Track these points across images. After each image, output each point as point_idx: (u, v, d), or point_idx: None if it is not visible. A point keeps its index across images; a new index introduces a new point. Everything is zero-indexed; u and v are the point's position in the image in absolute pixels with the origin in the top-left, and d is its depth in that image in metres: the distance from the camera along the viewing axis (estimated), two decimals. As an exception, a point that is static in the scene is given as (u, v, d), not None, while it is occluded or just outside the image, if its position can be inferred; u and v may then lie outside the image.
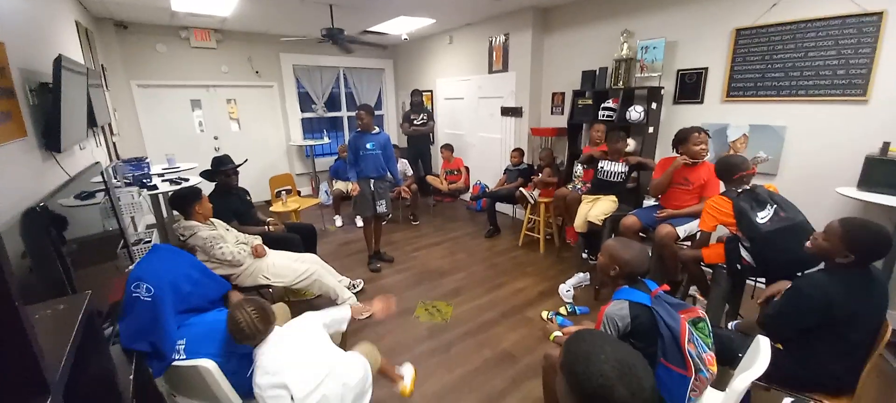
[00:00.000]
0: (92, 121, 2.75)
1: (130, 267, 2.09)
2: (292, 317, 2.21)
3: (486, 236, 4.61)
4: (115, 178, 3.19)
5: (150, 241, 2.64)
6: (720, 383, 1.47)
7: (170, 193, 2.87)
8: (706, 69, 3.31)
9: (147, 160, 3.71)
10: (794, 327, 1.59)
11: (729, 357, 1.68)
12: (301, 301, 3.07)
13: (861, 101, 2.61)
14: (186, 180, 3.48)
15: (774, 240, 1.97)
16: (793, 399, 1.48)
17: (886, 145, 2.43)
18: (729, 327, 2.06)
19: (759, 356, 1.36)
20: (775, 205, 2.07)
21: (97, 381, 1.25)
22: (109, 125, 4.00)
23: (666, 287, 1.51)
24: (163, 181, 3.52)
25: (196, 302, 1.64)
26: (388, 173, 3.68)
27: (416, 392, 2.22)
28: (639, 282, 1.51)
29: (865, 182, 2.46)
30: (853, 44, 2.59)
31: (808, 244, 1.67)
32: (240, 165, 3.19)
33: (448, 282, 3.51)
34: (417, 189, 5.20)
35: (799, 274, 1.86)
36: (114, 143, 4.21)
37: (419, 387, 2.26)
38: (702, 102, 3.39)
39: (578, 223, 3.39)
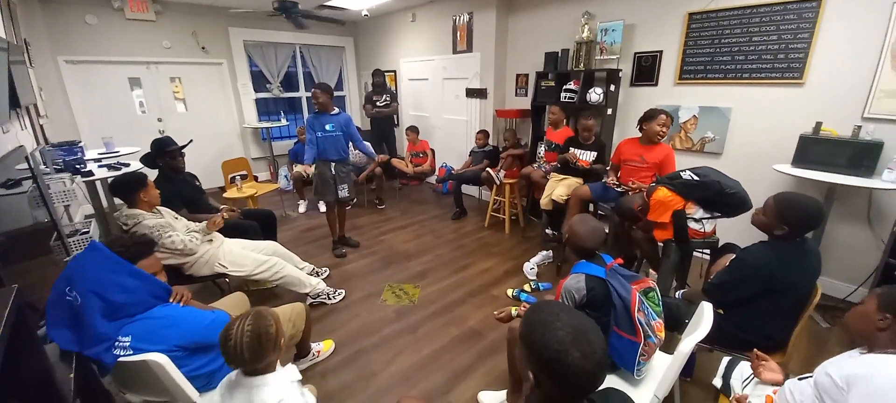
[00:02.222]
0: (14, 102, 2.46)
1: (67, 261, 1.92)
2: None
3: (452, 218, 4.63)
4: (45, 164, 2.89)
5: (87, 232, 2.42)
6: (668, 347, 1.57)
7: (110, 180, 2.64)
8: (661, 52, 3.43)
9: (80, 144, 3.39)
10: (736, 295, 1.72)
11: (676, 324, 1.81)
12: (261, 290, 2.96)
13: (798, 84, 2.81)
14: (126, 165, 3.21)
15: (721, 178, 2.17)
16: (730, 358, 1.61)
17: (818, 125, 2.64)
18: (677, 295, 2.20)
19: (703, 320, 1.47)
20: (685, 170, 2.28)
21: (33, 381, 1.15)
22: (35, 106, 3.60)
23: (620, 260, 1.59)
24: (100, 167, 3.24)
25: (133, 310, 1.51)
26: (358, 152, 3.57)
27: (385, 373, 2.23)
28: (596, 257, 1.58)
29: (799, 159, 2.67)
30: (793, 29, 2.76)
31: (751, 219, 1.80)
32: (184, 146, 2.97)
33: (415, 265, 3.50)
34: (382, 172, 5.10)
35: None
36: (41, 126, 3.80)
37: (387, 368, 2.27)
38: (656, 85, 3.52)
39: (544, 201, 3.48)
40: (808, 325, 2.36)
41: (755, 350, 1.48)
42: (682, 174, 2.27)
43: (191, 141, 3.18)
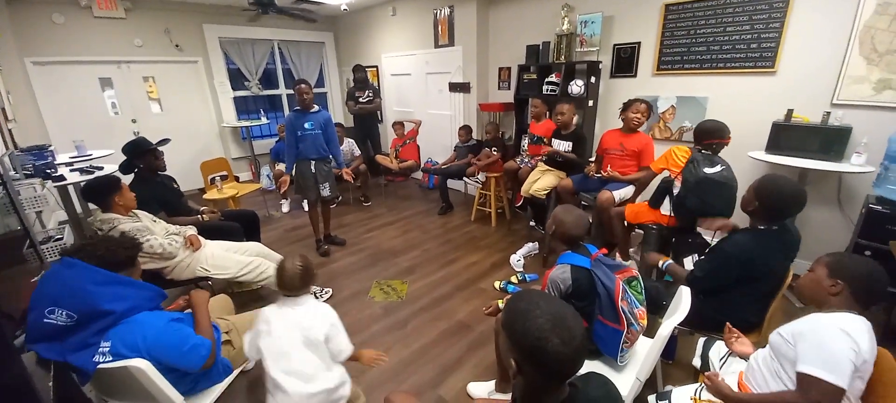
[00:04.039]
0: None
1: (40, 275, 1.84)
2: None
3: (439, 213, 4.63)
4: (14, 170, 2.78)
5: (61, 239, 2.35)
6: (650, 331, 1.61)
7: (82, 184, 2.55)
8: (639, 43, 3.49)
9: (50, 148, 3.27)
10: (718, 283, 1.77)
11: (655, 307, 1.85)
12: (245, 292, 2.91)
13: (770, 73, 2.89)
14: (100, 169, 3.11)
15: (704, 187, 2.18)
16: (705, 339, 1.67)
17: (790, 112, 2.73)
18: (662, 266, 2.20)
19: (681, 303, 1.52)
20: (724, 167, 2.28)
21: (11, 391, 1.12)
22: (3, 110, 3.47)
23: (605, 250, 1.62)
24: (71, 171, 3.13)
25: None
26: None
27: (374, 369, 2.22)
28: (580, 247, 1.60)
29: (773, 145, 2.76)
30: (765, 19, 2.83)
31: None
32: (159, 144, 2.88)
33: (402, 261, 3.50)
34: (367, 169, 5.06)
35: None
36: (10, 131, 3.66)
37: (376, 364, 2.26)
38: (635, 76, 3.58)
39: (525, 189, 3.53)
40: (784, 305, 2.44)
41: (728, 324, 1.54)
42: (719, 162, 2.28)
43: (169, 139, 3.09)
